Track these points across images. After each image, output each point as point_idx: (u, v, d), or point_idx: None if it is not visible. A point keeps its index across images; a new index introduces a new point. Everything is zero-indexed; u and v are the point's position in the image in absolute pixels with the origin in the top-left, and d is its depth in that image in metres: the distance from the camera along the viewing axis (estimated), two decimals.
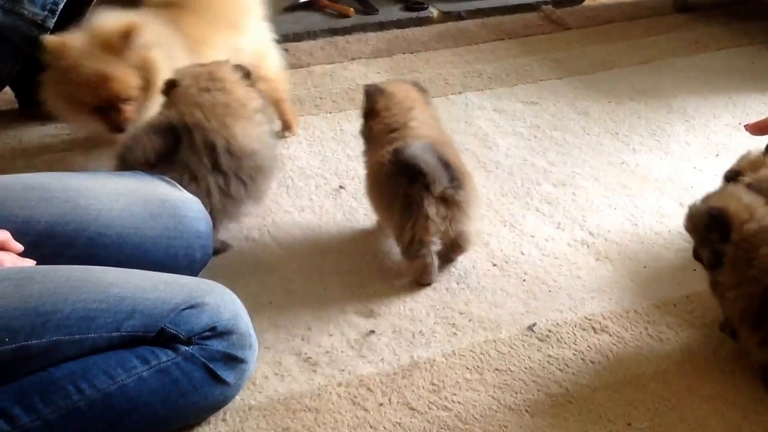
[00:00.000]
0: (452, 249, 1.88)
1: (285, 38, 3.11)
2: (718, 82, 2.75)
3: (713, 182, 2.11)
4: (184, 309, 1.39)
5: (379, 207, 1.92)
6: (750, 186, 1.58)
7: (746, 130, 1.92)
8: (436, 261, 1.83)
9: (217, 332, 1.40)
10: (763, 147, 1.80)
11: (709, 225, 1.51)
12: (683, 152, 2.34)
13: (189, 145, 1.81)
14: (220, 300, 1.44)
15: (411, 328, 1.71)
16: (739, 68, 2.85)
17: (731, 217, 1.49)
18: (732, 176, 1.81)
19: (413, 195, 1.75)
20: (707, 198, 1.57)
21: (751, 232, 1.47)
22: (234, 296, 1.48)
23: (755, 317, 1.47)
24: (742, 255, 1.47)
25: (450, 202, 1.78)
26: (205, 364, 1.39)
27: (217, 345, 1.40)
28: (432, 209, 1.76)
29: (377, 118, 1.91)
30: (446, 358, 1.63)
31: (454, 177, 1.78)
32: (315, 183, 2.24)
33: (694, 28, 3.18)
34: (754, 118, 2.41)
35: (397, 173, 1.77)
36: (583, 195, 2.15)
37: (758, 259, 1.45)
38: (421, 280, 1.84)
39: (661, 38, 3.11)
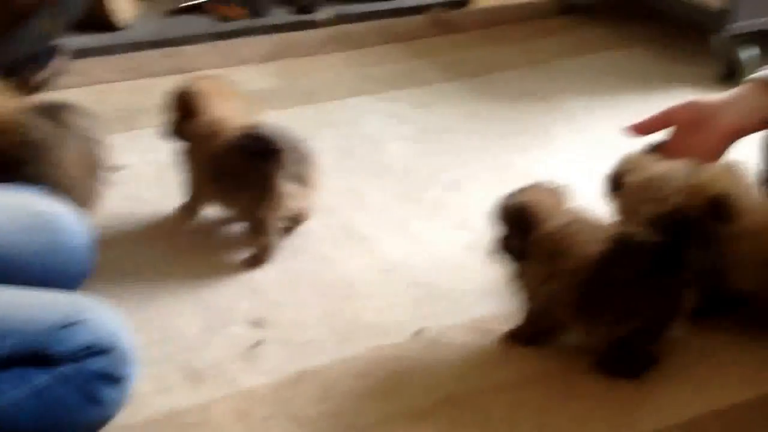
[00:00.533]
0: (295, 221, 2.01)
1: (170, 42, 3.06)
2: (602, 83, 2.80)
3: (597, 180, 2.16)
4: (61, 327, 1.34)
5: (222, 194, 1.97)
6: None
7: (627, 132, 1.97)
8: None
9: (96, 350, 1.35)
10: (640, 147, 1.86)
11: (516, 219, 1.60)
12: (569, 153, 2.38)
13: None
14: (99, 317, 1.39)
15: (299, 337, 1.70)
16: (622, 69, 2.91)
17: (537, 212, 1.58)
18: (615, 180, 1.86)
19: (268, 175, 1.85)
20: (513, 193, 1.65)
21: (555, 228, 1.57)
22: (114, 312, 1.44)
23: (576, 309, 1.55)
24: (548, 249, 1.56)
25: (300, 179, 1.92)
26: (84, 385, 1.34)
27: (96, 363, 1.35)
28: (285, 187, 1.87)
29: (198, 116, 1.96)
30: (335, 366, 1.62)
31: (302, 155, 1.93)
32: None
33: (578, 30, 3.23)
34: (635, 119, 2.48)
35: (249, 155, 1.86)
36: (472, 198, 2.16)
37: (563, 255, 1.55)
38: (264, 259, 1.92)
39: (547, 40, 3.15)
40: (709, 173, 1.62)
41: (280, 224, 1.95)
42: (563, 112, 2.61)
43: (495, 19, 3.33)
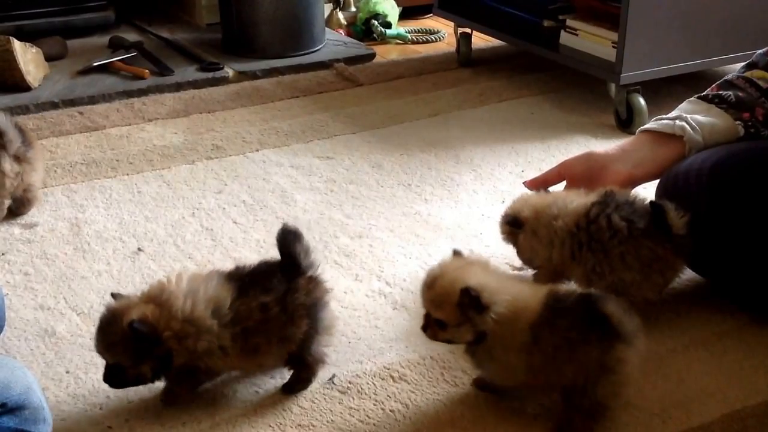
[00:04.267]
0: (22, 204, 2.31)
1: (79, 101, 3.08)
2: (502, 132, 2.89)
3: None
4: None
5: None
6: None
7: (525, 186, 2.07)
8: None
9: (7, 408, 1.36)
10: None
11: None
12: (471, 200, 2.45)
13: None
14: (10, 375, 1.40)
15: (211, 389, 1.71)
16: (521, 118, 3.01)
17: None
18: (512, 222, 1.93)
19: None
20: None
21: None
22: (25, 370, 1.45)
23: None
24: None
25: (22, 160, 2.25)
26: None
27: (7, 422, 1.36)
28: (8, 166, 2.21)
29: None
30: (248, 417, 1.63)
31: (25, 138, 2.26)
32: (113, 246, 2.21)
33: (477, 81, 3.34)
34: (535, 165, 2.58)
35: None
36: (379, 246, 2.21)
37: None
38: None
39: (448, 92, 3.24)
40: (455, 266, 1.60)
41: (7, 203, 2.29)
42: (465, 161, 2.68)
43: (398, 73, 3.43)
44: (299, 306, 1.60)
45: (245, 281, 1.60)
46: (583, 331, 1.48)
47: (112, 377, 1.58)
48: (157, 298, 1.57)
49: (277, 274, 1.62)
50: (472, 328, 1.52)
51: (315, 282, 1.65)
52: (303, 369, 1.68)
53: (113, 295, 1.62)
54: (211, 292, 1.57)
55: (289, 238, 1.65)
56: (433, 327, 1.57)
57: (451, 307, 1.52)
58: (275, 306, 1.58)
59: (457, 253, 1.61)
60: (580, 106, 3.08)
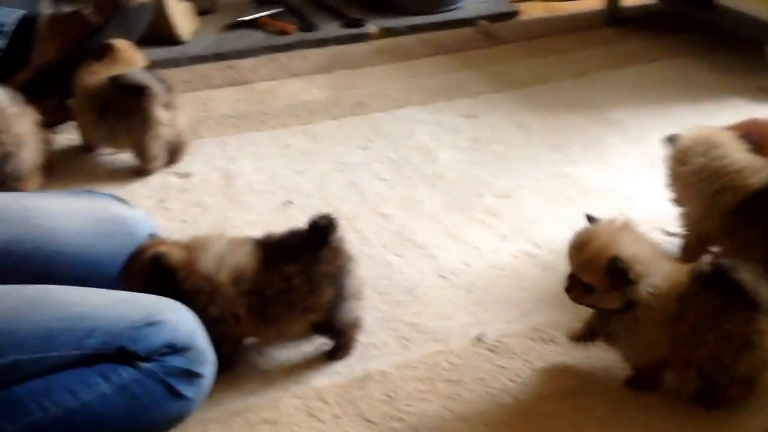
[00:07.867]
0: (176, 150, 2.42)
1: (228, 55, 3.15)
2: (652, 93, 2.82)
3: (652, 192, 2.19)
4: (142, 326, 1.39)
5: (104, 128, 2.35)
6: None
7: None
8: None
9: (175, 349, 1.40)
10: None
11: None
12: (622, 163, 2.41)
13: None
14: (177, 317, 1.44)
15: (363, 341, 1.73)
16: (671, 80, 2.93)
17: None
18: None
19: (145, 107, 2.29)
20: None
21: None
22: (191, 313, 1.49)
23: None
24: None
25: (170, 107, 2.35)
26: (165, 380, 1.39)
27: (175, 361, 1.40)
28: (162, 114, 2.32)
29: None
30: (398, 370, 1.66)
31: (168, 87, 2.36)
32: (263, 198, 2.26)
33: (626, 41, 3.27)
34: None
35: (124, 93, 2.30)
36: (526, 207, 2.20)
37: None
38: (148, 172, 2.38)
39: (595, 51, 3.19)
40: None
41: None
42: (614, 122, 2.63)
43: (543, 31, 3.39)
44: (322, 275, 1.61)
45: (272, 251, 1.62)
46: (727, 299, 1.46)
47: None
48: (191, 246, 1.62)
49: (303, 244, 1.62)
50: (621, 296, 1.50)
51: (338, 251, 1.64)
52: (338, 336, 1.69)
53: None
54: (237, 260, 1.60)
55: (323, 227, 1.63)
56: (578, 290, 1.54)
57: (601, 273, 1.49)
58: (298, 276, 1.59)
59: (591, 219, 1.58)
60: (736, 68, 2.98)
